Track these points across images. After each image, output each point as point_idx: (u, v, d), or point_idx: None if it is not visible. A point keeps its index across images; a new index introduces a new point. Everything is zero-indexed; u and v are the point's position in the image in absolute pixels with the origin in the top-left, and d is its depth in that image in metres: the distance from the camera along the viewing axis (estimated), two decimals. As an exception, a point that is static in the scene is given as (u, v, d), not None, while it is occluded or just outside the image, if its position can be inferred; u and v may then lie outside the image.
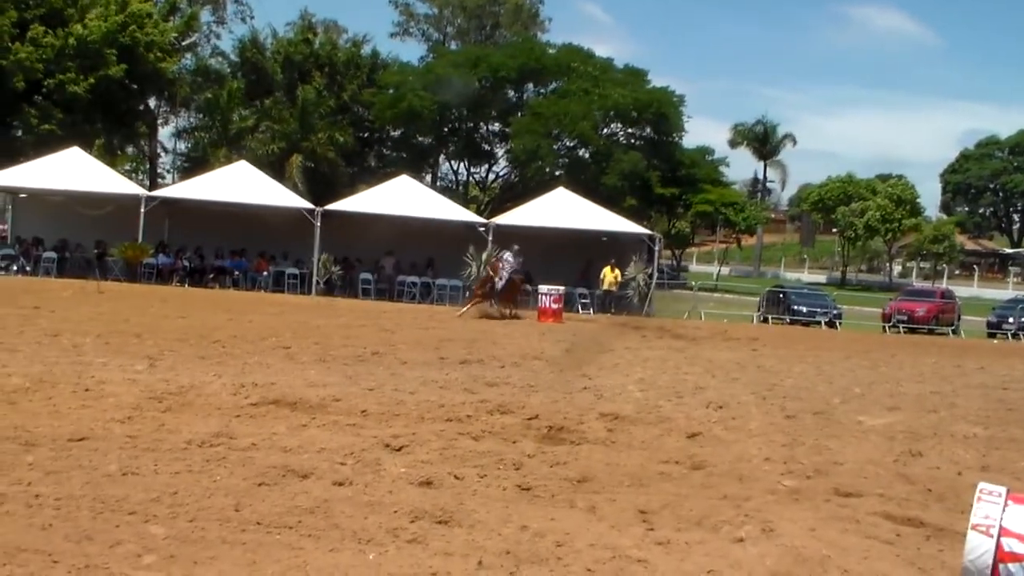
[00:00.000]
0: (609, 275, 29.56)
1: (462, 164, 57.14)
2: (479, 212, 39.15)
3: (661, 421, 8.83)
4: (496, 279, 22.22)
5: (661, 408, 9.62)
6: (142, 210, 28.02)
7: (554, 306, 23.47)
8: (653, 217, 57.96)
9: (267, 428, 7.38)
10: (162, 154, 51.65)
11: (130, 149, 50.10)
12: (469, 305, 22.69)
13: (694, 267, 78.67)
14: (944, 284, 56.87)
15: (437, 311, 24.28)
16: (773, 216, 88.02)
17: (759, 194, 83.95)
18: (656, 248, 31.08)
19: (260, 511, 5.26)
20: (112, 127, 42.69)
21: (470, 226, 29.14)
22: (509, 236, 26.37)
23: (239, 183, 29.28)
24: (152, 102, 47.91)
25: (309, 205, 29.65)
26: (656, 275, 31.26)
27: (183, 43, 46.67)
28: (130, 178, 37.64)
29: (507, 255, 22.89)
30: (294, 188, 36.41)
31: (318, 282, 29.03)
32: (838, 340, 25.18)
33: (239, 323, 16.51)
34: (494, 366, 12.39)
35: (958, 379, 15.40)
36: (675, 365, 14.49)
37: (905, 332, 32.35)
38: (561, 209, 30.00)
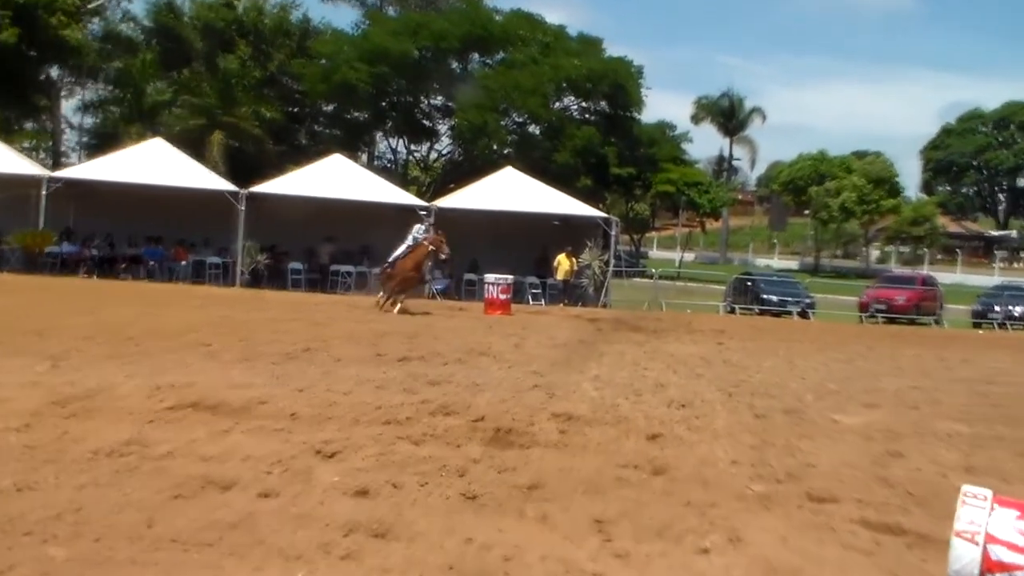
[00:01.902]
0: (565, 263, 29.71)
1: (401, 142, 57.03)
2: (420, 194, 39.10)
3: (619, 421, 8.83)
4: (440, 255, 22.02)
5: (619, 407, 9.62)
6: (43, 193, 27.51)
7: (502, 297, 23.52)
8: (609, 199, 58.44)
9: (185, 434, 7.24)
10: (66, 130, 50.97)
11: (29, 125, 49.12)
12: (388, 297, 22.03)
13: (655, 253, 79.19)
14: (925, 270, 57.61)
15: (372, 302, 24.13)
16: (740, 197, 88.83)
17: (725, 173, 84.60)
18: (613, 233, 31.30)
19: (176, 527, 5.14)
20: (7, 100, 41.75)
21: (410, 209, 29.08)
22: (453, 220, 26.37)
23: (154, 163, 28.90)
24: (54, 72, 47.01)
25: (232, 187, 29.39)
26: (613, 262, 31.51)
27: (89, 6, 45.76)
28: (30, 157, 36.94)
29: (419, 227, 22.65)
30: (215, 168, 36.02)
31: (243, 272, 28.81)
32: (811, 332, 25.49)
33: (154, 318, 16.26)
34: (437, 363, 12.35)
35: (941, 373, 15.59)
36: (634, 360, 14.51)
37: (883, 322, 32.95)
38: (510, 190, 30.17)
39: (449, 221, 26.61)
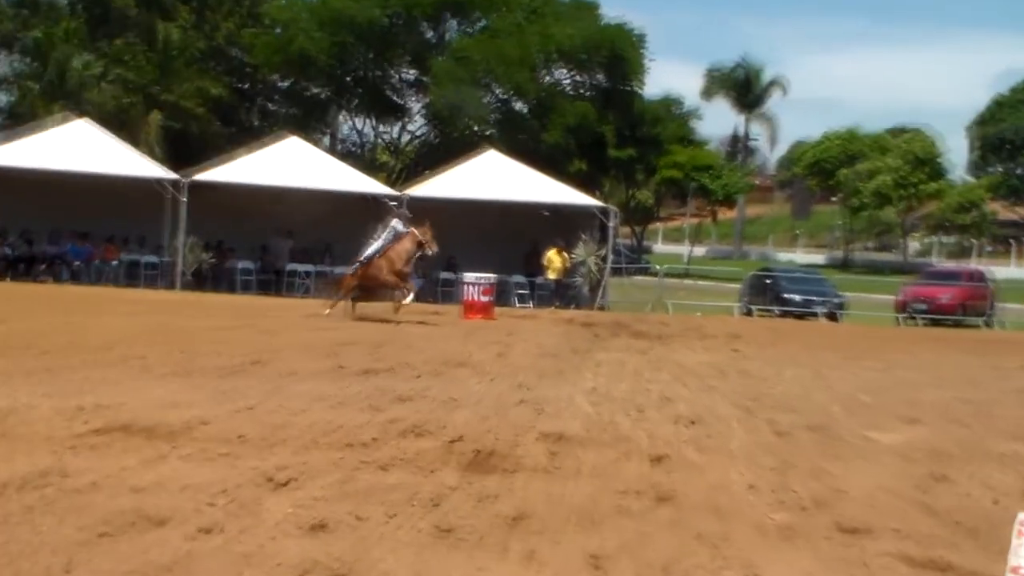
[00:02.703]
0: (556, 260, 29.80)
1: (367, 122, 56.82)
2: (390, 182, 39.02)
3: (618, 442, 8.86)
4: (428, 251, 21.70)
5: (618, 425, 9.67)
6: (-54, 182, 27.37)
7: (483, 299, 23.63)
8: (607, 186, 58.52)
9: (113, 462, 7.18)
10: (-26, 109, 50.50)
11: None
12: (333, 303, 21.94)
13: (660, 247, 79.55)
14: (974, 263, 57.43)
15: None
16: (758, 183, 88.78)
17: (740, 155, 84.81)
18: (611, 224, 31.40)
19: (100, 570, 5.07)
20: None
21: (378, 199, 28.98)
22: (427, 211, 26.31)
23: (80, 147, 28.80)
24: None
25: (172, 175, 29.29)
26: (612, 258, 31.61)
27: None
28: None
29: (395, 223, 22.29)
30: (151, 153, 35.98)
31: (183, 273, 28.68)
32: (841, 336, 25.65)
33: (79, 327, 16.17)
34: (407, 376, 12.38)
35: (993, 382, 15.62)
36: (635, 370, 14.61)
37: (925, 324, 33.01)
38: (492, 177, 30.32)
39: (423, 212, 26.47)
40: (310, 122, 52.04)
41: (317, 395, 10.37)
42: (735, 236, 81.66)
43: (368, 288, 22.04)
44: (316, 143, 42.87)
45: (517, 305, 28.95)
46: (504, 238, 30.03)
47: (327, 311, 21.39)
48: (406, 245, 21.46)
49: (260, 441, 8.05)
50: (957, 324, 33.29)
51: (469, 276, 24.23)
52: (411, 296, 21.50)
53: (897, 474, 8.19)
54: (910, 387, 14.30)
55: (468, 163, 32.01)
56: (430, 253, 21.95)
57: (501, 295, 26.77)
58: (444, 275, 30.17)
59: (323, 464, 7.38)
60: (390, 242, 21.60)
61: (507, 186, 29.87)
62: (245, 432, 8.27)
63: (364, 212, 28.16)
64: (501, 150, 33.85)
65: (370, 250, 21.64)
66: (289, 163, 29.68)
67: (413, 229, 21.75)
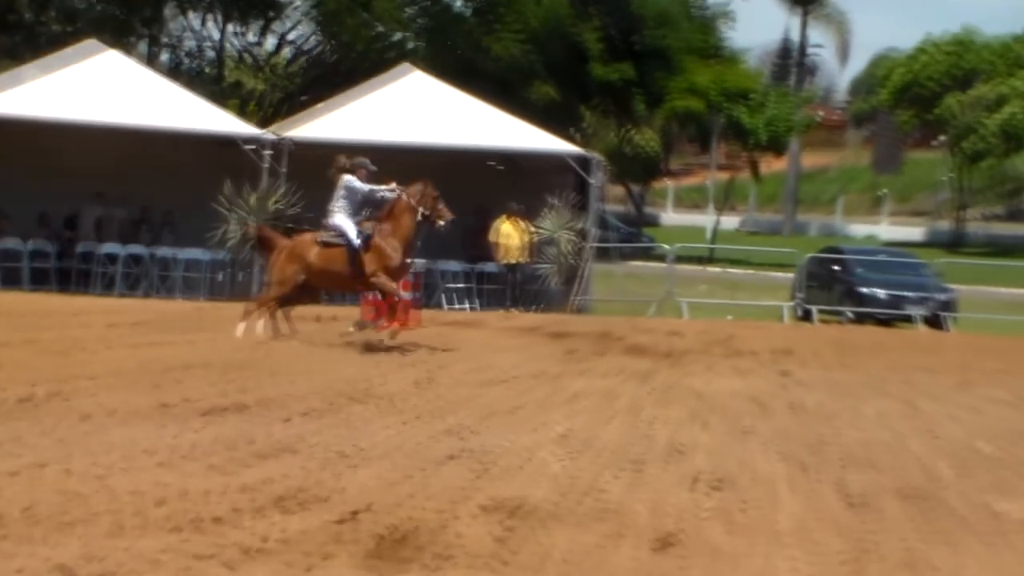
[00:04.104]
0: (513, 235, 29.59)
1: (215, 24, 56.50)
2: (260, 119, 38.67)
3: (603, 516, 8.83)
4: (439, 221, 20.70)
5: (604, 490, 9.66)
6: None
7: (400, 296, 23.33)
8: (590, 122, 58.19)
9: None
10: None
11: None
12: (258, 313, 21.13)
13: (670, 216, 79.75)
14: None
15: (171, 310, 23.92)
16: (822, 117, 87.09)
17: (794, 76, 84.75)
18: (595, 181, 31.25)
19: None
20: None
21: (237, 143, 28.96)
22: (314, 162, 26.17)
23: None
24: None
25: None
26: (595, 233, 31.60)
27: None
28: None
29: (348, 182, 20.89)
30: None
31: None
32: (948, 351, 25.64)
33: None
34: (278, 416, 12.38)
35: None
36: (632, 406, 14.63)
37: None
38: (414, 110, 30.25)
39: (308, 163, 26.30)
40: (128, 24, 51.62)
41: (133, 448, 10.31)
42: (786, 199, 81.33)
43: (314, 290, 21.73)
44: (136, 55, 42.57)
45: (452, 306, 28.82)
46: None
47: (243, 327, 20.42)
48: (404, 222, 20.50)
49: (44, 521, 7.91)
50: None
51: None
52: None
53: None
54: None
55: (379, 91, 31.85)
56: (442, 225, 21.02)
57: (428, 290, 26.55)
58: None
59: (139, 559, 7.23)
60: (374, 216, 20.69)
61: (436, 124, 29.81)
62: (24, 507, 8.13)
63: (217, 165, 27.96)
64: (428, 69, 33.74)
65: (343, 225, 20.36)
66: (98, 87, 29.38)
67: (403, 192, 20.86)
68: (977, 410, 15.86)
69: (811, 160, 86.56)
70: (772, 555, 8.05)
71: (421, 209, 20.43)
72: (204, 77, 51.74)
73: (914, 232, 74.98)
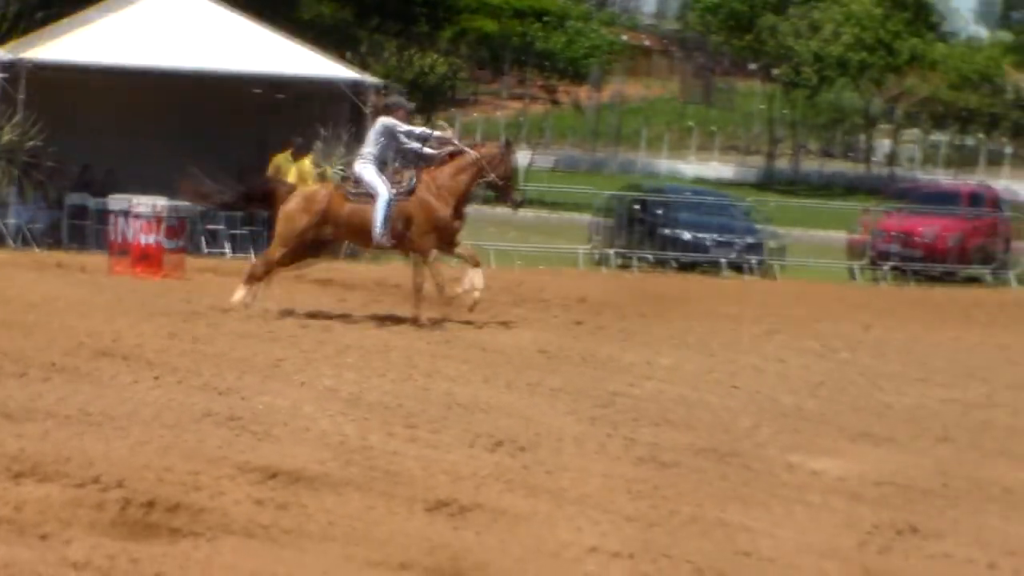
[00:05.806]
0: (292, 172, 28.84)
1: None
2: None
3: (375, 478, 8.97)
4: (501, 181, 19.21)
5: (376, 449, 9.79)
6: None
7: (155, 241, 23.21)
8: (368, 45, 57.12)
9: None
10: None
11: None
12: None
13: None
14: (981, 178, 55.63)
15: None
16: (627, 39, 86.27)
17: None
18: (370, 110, 29.88)
19: None
20: None
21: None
22: (54, 88, 24.96)
23: None
24: None
25: None
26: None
27: None
28: None
29: (385, 123, 19.47)
30: None
31: None
32: (759, 299, 25.99)
33: None
34: (5, 375, 12.21)
35: (1001, 372, 16.24)
36: (408, 359, 15.14)
37: (898, 279, 32.88)
38: (170, 29, 29.63)
39: (49, 88, 25.07)
40: None
41: None
42: (591, 133, 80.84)
43: (321, 246, 19.97)
44: None
45: (215, 252, 28.06)
46: (198, 138, 29.18)
47: (239, 297, 18.89)
48: (462, 178, 18.90)
49: None
50: (947, 278, 33.40)
51: (135, 203, 23.81)
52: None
53: (840, 525, 8.37)
54: (868, 381, 14.80)
55: (129, 8, 30.94)
56: (502, 183, 19.43)
57: (192, 237, 26.30)
58: (80, 201, 29.16)
59: None
60: (412, 164, 19.07)
61: (195, 46, 29.32)
62: None
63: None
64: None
65: (367, 174, 18.76)
66: None
67: (466, 148, 19.54)
68: (785, 363, 16.29)
69: (628, 90, 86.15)
70: (555, 516, 8.29)
71: (493, 176, 19.00)
72: None
73: (728, 170, 74.18)
